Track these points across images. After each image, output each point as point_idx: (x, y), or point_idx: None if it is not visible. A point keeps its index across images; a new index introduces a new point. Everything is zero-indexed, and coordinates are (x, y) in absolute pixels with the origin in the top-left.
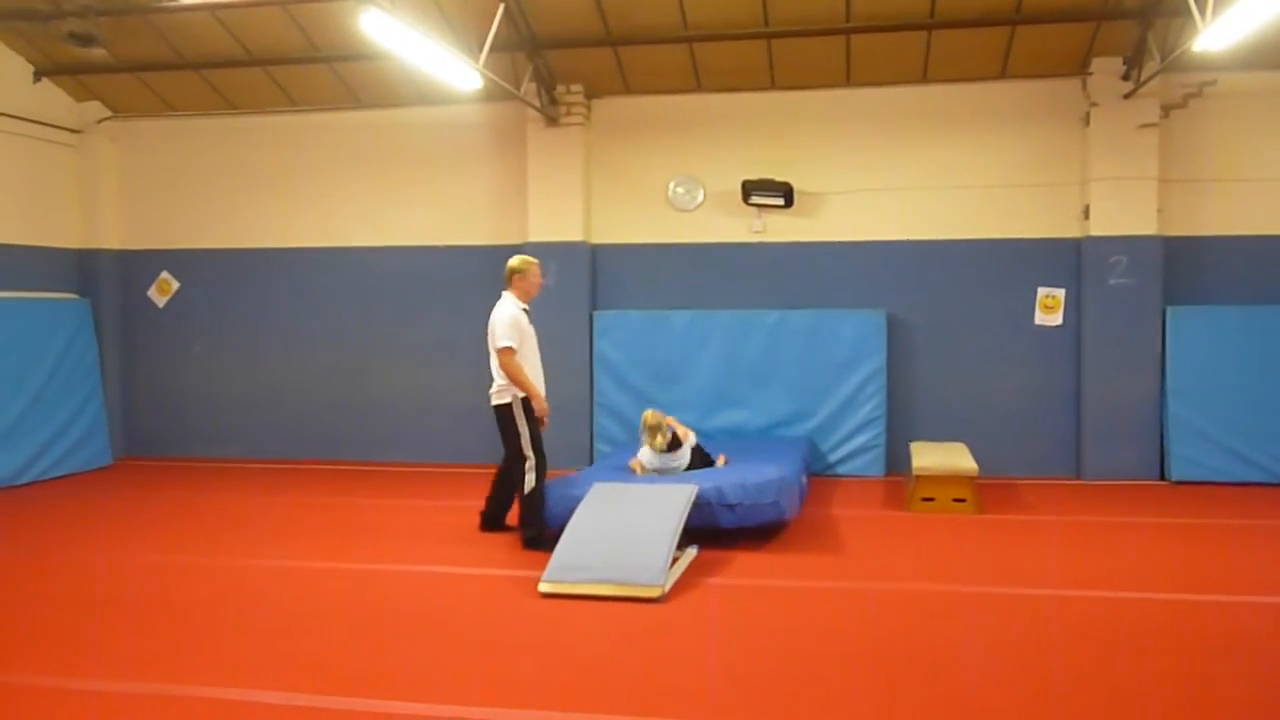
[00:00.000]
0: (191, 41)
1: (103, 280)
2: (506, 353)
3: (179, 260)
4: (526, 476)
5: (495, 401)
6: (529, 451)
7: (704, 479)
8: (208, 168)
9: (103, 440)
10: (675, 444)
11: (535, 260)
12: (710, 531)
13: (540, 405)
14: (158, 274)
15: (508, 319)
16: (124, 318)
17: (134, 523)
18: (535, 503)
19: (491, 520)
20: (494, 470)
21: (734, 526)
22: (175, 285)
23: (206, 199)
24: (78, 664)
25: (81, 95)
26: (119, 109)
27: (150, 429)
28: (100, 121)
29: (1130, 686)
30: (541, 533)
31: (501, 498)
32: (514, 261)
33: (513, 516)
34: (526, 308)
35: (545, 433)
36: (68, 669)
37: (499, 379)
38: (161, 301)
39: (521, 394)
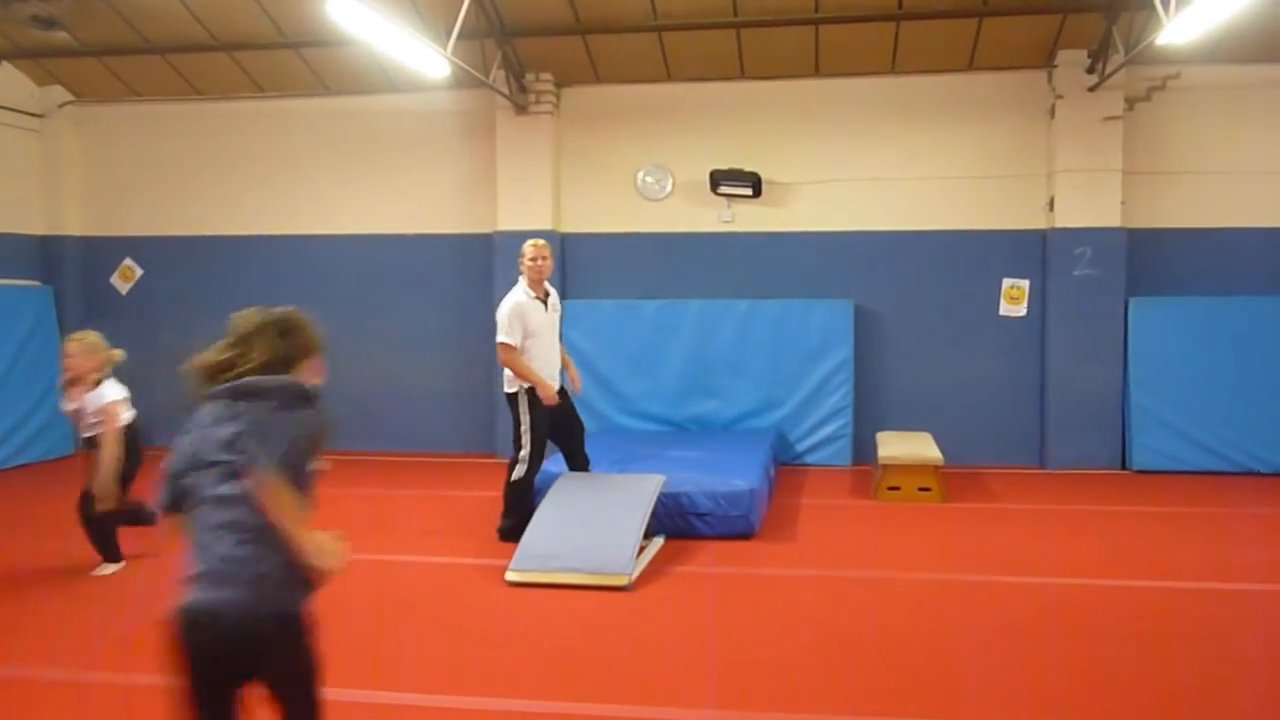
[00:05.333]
0: (156, 25)
1: (65, 267)
2: (502, 349)
3: (142, 247)
4: (516, 466)
5: (505, 389)
6: (526, 441)
7: (677, 483)
8: (172, 154)
9: (64, 429)
10: None
11: (533, 241)
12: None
13: (547, 394)
14: (121, 261)
15: (505, 312)
16: (87, 305)
17: None
18: (518, 493)
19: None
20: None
21: (703, 535)
22: (138, 272)
23: (171, 185)
24: (45, 653)
25: (43, 79)
26: (82, 93)
27: None
28: (63, 106)
29: (1094, 671)
30: (520, 525)
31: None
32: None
33: None
34: (543, 293)
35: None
36: (36, 658)
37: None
38: (124, 289)
39: (528, 384)
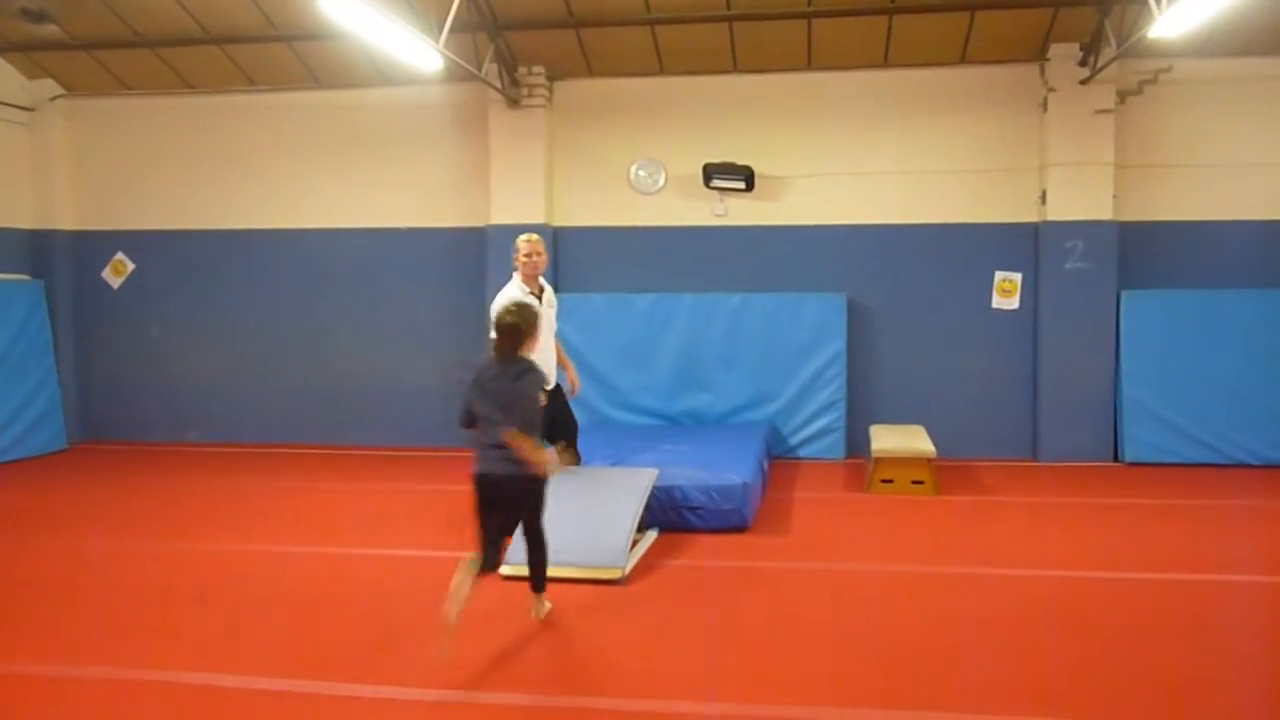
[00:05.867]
0: (147, 19)
1: (56, 261)
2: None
3: (134, 241)
4: None
5: None
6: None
7: (670, 477)
8: (164, 148)
9: (57, 424)
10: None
11: (526, 236)
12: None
13: None
14: (112, 255)
15: (499, 307)
16: (78, 299)
17: (91, 507)
18: None
19: None
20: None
21: (696, 528)
22: (130, 267)
23: (163, 179)
24: (36, 649)
25: (34, 73)
26: (73, 87)
27: (106, 413)
28: (53, 99)
29: (1086, 662)
30: None
31: None
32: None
33: None
34: (538, 289)
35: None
36: (26, 654)
37: None
38: (116, 283)
39: None
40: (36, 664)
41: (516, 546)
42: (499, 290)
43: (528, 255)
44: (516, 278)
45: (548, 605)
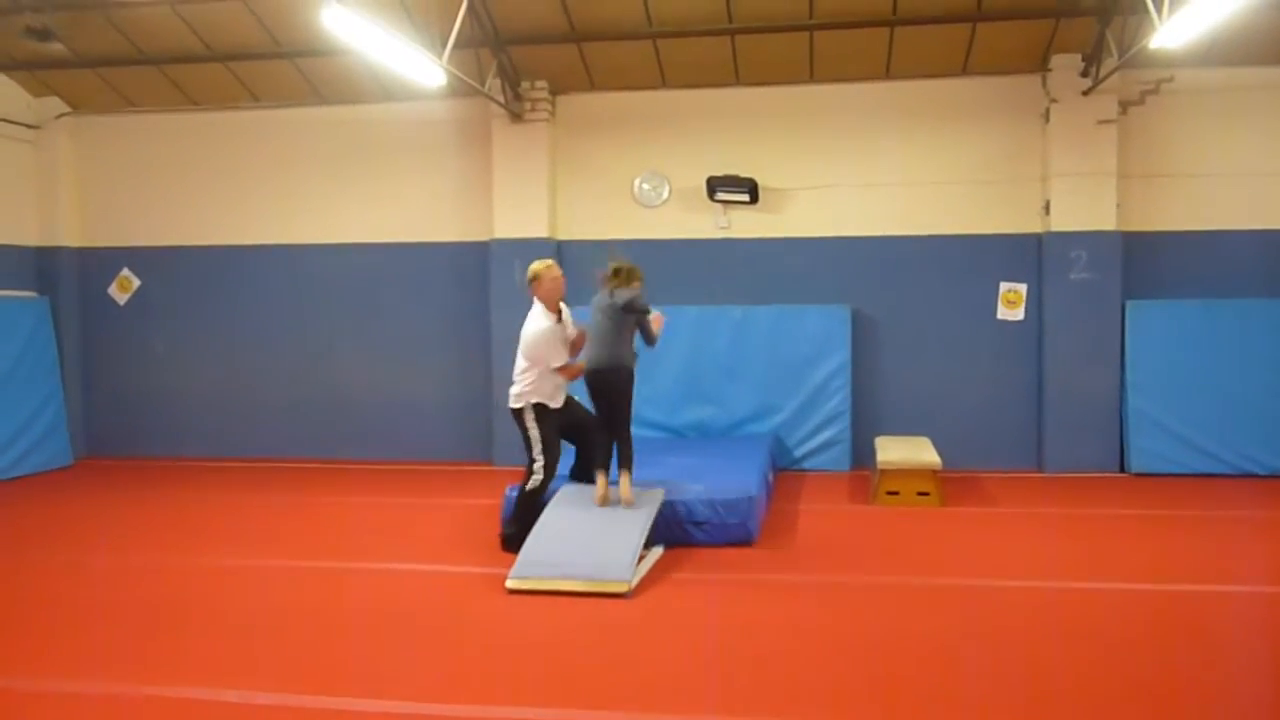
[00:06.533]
0: (151, 36)
1: (62, 278)
2: (560, 372)
3: (140, 258)
4: (531, 477)
5: (510, 405)
6: (537, 454)
7: (676, 493)
8: (169, 164)
9: (62, 440)
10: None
11: (548, 264)
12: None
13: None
14: (118, 271)
15: (538, 340)
16: (84, 316)
17: (95, 523)
18: (528, 503)
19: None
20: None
21: (701, 543)
22: (136, 283)
23: (168, 196)
24: (37, 664)
25: (39, 91)
26: (78, 105)
27: (111, 428)
28: (59, 117)
29: (1092, 674)
30: (523, 533)
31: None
32: (532, 267)
33: None
34: (557, 311)
35: None
36: (28, 669)
37: (514, 386)
38: (122, 299)
39: (534, 400)
40: (40, 679)
41: (526, 554)
42: (501, 301)
43: (554, 278)
44: (539, 306)
45: (628, 488)
